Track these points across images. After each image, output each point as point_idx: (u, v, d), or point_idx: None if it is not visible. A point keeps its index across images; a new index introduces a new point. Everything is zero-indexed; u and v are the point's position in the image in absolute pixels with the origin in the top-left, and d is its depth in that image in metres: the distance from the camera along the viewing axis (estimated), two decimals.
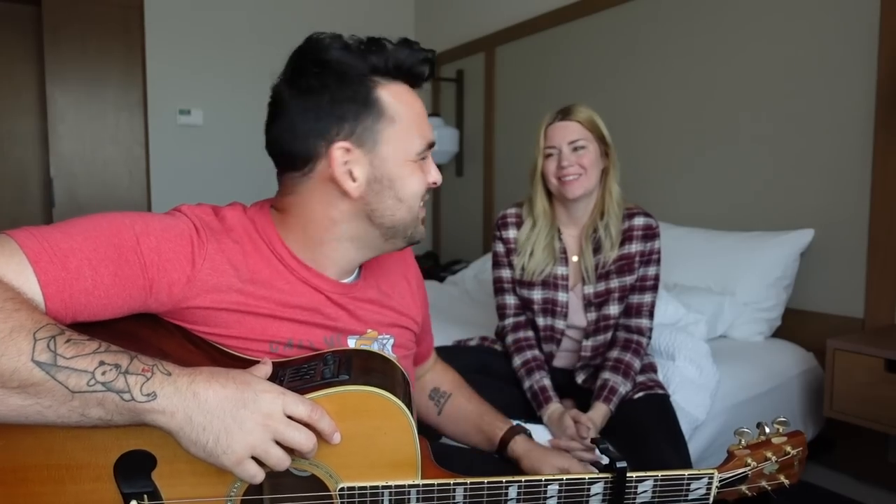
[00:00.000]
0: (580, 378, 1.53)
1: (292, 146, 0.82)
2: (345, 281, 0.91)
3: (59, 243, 0.68)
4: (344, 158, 0.81)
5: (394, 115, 0.81)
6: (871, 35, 1.84)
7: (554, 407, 1.42)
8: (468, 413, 1.14)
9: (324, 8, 3.74)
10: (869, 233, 1.86)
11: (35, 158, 3.17)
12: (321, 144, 0.80)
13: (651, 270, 1.51)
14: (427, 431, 1.13)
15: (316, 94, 0.80)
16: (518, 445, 1.07)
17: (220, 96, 3.48)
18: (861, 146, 1.88)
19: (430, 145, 0.86)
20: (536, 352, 1.53)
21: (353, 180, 0.81)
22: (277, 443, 0.66)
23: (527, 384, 1.48)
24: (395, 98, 0.82)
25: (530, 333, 1.57)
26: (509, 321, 1.58)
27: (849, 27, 1.90)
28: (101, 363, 0.61)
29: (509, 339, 1.56)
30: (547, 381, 1.47)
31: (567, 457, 1.08)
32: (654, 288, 1.52)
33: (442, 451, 0.99)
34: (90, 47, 2.99)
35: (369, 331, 0.91)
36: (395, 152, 0.82)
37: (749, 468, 0.87)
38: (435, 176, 0.88)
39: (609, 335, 1.53)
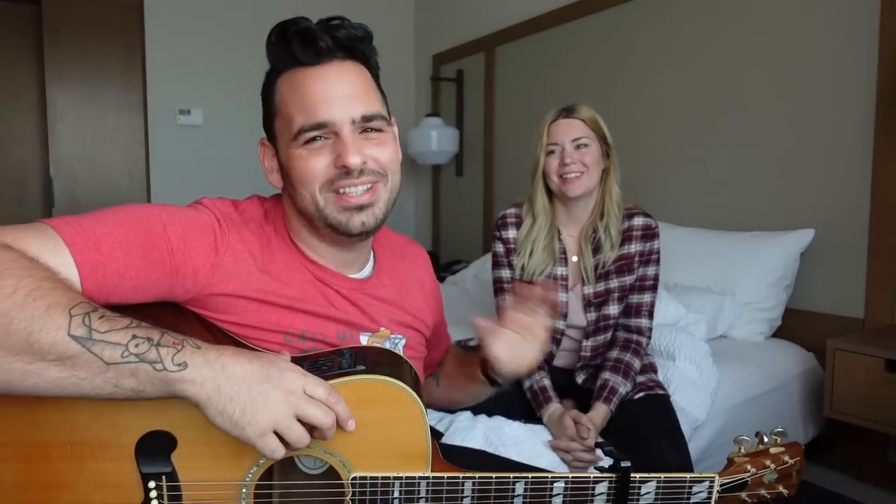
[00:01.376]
0: (580, 378, 1.53)
1: None
2: (355, 276, 0.93)
3: (93, 228, 0.71)
4: (266, 154, 0.89)
5: (279, 105, 0.85)
6: (871, 35, 1.84)
7: (554, 407, 1.42)
8: (452, 372, 1.14)
9: (324, 8, 3.72)
10: (869, 233, 1.86)
11: (35, 158, 3.17)
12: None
13: (650, 270, 1.51)
14: (431, 431, 1.13)
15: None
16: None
17: (220, 96, 3.48)
18: (861, 146, 1.88)
19: (317, 126, 0.81)
20: None
21: (276, 172, 0.88)
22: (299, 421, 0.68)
23: (526, 384, 1.48)
24: (285, 87, 0.84)
25: None
26: None
27: (849, 27, 1.90)
28: (134, 336, 0.64)
29: None
30: (547, 382, 1.47)
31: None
32: (654, 288, 1.52)
33: (442, 449, 0.99)
34: (90, 47, 3.00)
35: (382, 329, 0.93)
36: (282, 140, 0.85)
37: (749, 475, 0.89)
38: (345, 159, 0.80)
39: (609, 335, 1.53)
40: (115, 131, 3.10)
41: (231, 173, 3.50)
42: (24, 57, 3.09)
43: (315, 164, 0.82)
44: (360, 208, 0.84)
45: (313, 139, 0.81)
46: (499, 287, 1.59)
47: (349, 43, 0.83)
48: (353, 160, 0.80)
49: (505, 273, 1.58)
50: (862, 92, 1.87)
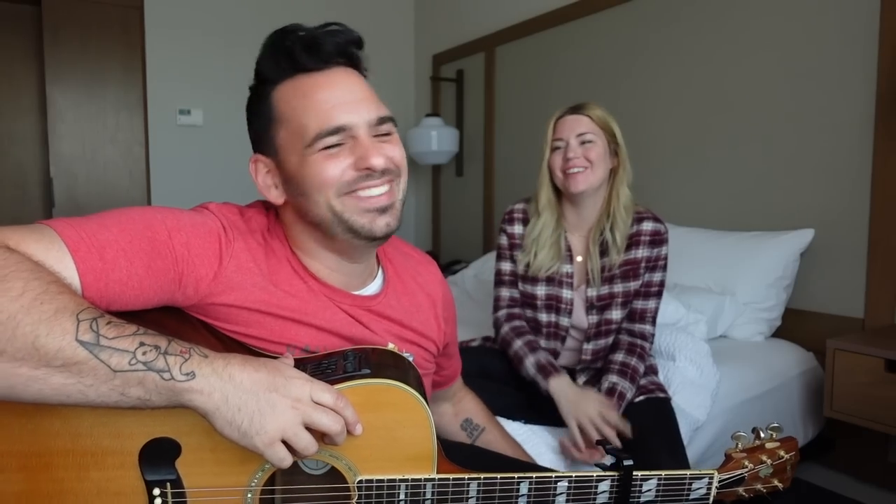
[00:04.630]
0: (581, 379, 1.53)
1: None
2: (360, 292, 0.91)
3: (97, 234, 0.70)
4: (260, 170, 0.86)
5: (283, 115, 0.82)
6: (871, 34, 1.84)
7: (564, 378, 1.40)
8: (503, 449, 1.16)
9: (324, 8, 3.73)
10: (869, 232, 1.87)
11: (35, 158, 3.17)
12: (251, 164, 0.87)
13: (656, 276, 1.50)
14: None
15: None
16: None
17: (220, 96, 3.48)
18: (861, 146, 1.88)
19: (335, 130, 0.79)
20: (533, 336, 1.53)
21: (276, 188, 0.85)
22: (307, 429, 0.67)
23: (532, 359, 1.45)
24: (290, 96, 0.82)
25: (524, 323, 1.56)
26: (502, 312, 1.58)
27: (849, 26, 1.90)
28: (142, 344, 0.63)
29: (506, 328, 1.54)
30: (552, 358, 1.47)
31: None
32: (659, 294, 1.52)
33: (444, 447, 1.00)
34: (90, 47, 2.99)
35: (390, 344, 0.91)
36: (291, 150, 0.82)
37: (746, 470, 0.91)
38: (368, 161, 0.79)
39: (610, 339, 1.52)
40: (115, 131, 3.10)
41: (231, 173, 3.49)
42: (24, 57, 3.09)
43: (333, 169, 0.79)
44: (383, 210, 0.83)
45: (331, 145, 0.80)
46: (499, 280, 1.59)
47: (348, 48, 0.83)
48: (377, 161, 0.80)
49: (506, 266, 1.58)
50: (862, 91, 1.87)
